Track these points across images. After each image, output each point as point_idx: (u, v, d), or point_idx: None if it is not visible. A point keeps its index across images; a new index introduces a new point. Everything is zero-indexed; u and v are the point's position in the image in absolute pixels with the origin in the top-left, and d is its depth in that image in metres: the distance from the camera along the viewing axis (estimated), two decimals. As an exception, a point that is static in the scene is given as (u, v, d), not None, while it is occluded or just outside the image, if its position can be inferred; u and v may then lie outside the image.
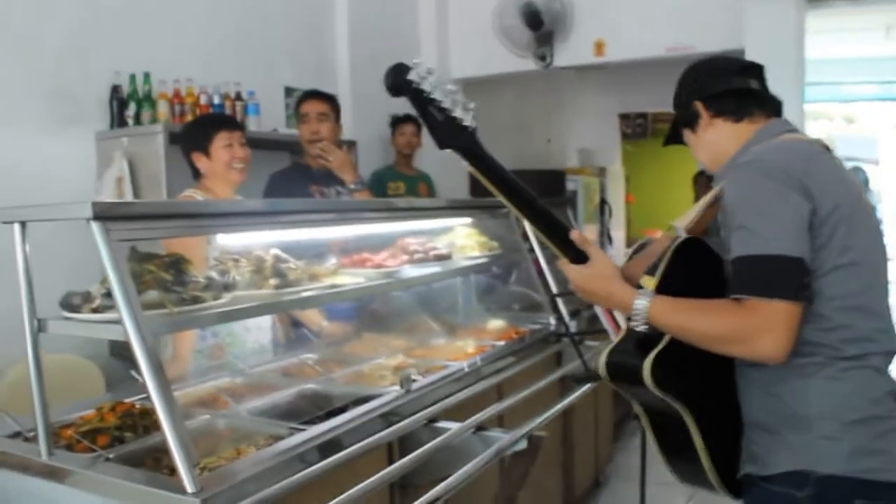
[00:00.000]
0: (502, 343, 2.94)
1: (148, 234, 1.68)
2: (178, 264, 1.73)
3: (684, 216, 1.69)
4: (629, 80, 8.05)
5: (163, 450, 1.83)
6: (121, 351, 3.39)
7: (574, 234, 1.57)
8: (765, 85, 1.72)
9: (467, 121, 1.44)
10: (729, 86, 1.69)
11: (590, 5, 5.41)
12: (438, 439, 1.96)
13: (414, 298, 3.30)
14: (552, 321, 3.32)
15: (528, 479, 2.14)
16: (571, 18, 5.43)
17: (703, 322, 1.44)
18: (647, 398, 1.54)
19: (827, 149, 1.62)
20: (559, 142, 8.56)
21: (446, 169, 5.80)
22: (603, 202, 7.82)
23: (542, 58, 5.51)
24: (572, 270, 1.58)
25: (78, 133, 3.46)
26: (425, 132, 4.72)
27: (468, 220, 3.31)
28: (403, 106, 5.51)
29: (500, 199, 1.54)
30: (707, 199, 1.67)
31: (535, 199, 1.57)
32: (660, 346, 1.48)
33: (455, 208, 3.30)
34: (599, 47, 5.36)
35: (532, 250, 3.58)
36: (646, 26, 5.12)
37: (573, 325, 3.35)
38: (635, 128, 10.08)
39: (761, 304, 1.37)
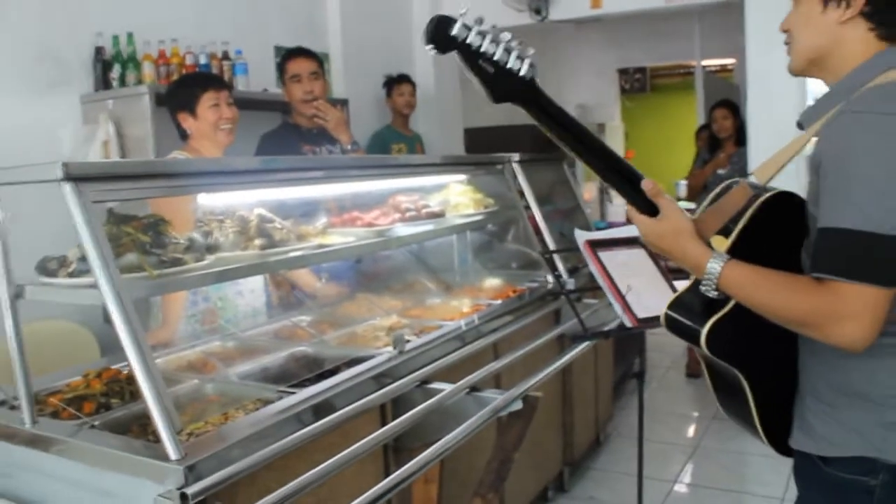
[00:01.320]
0: (499, 302, 2.90)
1: (124, 196, 1.62)
2: (157, 226, 1.68)
3: (764, 167, 1.44)
4: (627, 34, 7.93)
5: (149, 416, 1.80)
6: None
7: (646, 184, 1.40)
8: None
9: (524, 70, 1.33)
10: None
11: (585, -43, 5.28)
12: (431, 400, 1.93)
13: (409, 258, 3.25)
14: (550, 279, 3.26)
15: (523, 440, 2.10)
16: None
17: (778, 300, 1.30)
18: (703, 352, 1.45)
19: None
20: (557, 98, 8.34)
21: (443, 129, 5.73)
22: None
23: (538, 11, 5.39)
24: (643, 223, 1.42)
25: (62, 96, 3.38)
26: (419, 92, 4.63)
27: (463, 177, 3.25)
28: (395, 65, 5.43)
29: (565, 149, 1.42)
30: (796, 146, 1.42)
31: (603, 146, 1.44)
32: (723, 311, 1.37)
33: (450, 164, 3.24)
34: (596, -1, 5.25)
35: (528, 207, 3.53)
36: (643, -24, 5.01)
37: (571, 283, 3.31)
38: (633, 83, 9.98)
39: (851, 287, 1.22)
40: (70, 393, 1.90)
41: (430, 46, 1.28)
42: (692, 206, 7.27)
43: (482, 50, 1.30)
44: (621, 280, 2.16)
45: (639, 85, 10.07)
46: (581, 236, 2.22)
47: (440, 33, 1.28)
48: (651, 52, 8.46)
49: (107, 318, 3.42)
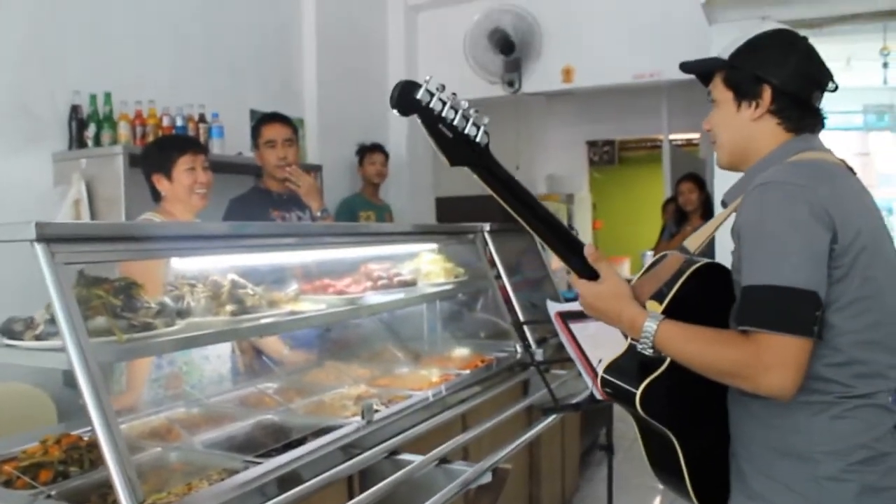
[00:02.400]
0: (467, 372, 2.88)
1: (96, 258, 1.60)
2: (128, 289, 1.66)
3: (695, 237, 1.59)
4: (597, 107, 8.12)
5: (109, 485, 1.75)
6: (75, 380, 3.28)
7: (588, 251, 1.49)
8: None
9: (479, 136, 1.40)
10: (809, 98, 1.53)
11: (558, 32, 5.45)
12: (400, 473, 1.90)
13: (378, 326, 3.23)
14: (519, 349, 3.26)
15: (492, 514, 2.07)
16: (540, 45, 5.46)
17: (710, 353, 1.37)
18: (638, 415, 1.49)
19: (850, 170, 1.54)
20: (528, 168, 8.58)
21: (413, 197, 5.78)
22: (570, 228, 7.82)
23: (511, 83, 5.52)
24: (584, 286, 1.50)
25: (34, 152, 3.36)
26: (390, 162, 4.68)
27: (434, 245, 3.27)
28: (369, 133, 5.48)
29: (512, 214, 1.49)
30: (719, 219, 1.58)
31: (548, 214, 1.51)
32: (656, 373, 1.44)
33: (421, 233, 3.26)
34: (568, 73, 5.39)
35: (499, 276, 3.54)
36: (614, 53, 5.17)
37: (539, 354, 3.30)
38: (602, 155, 10.17)
39: (771, 338, 1.30)
40: (26, 460, 1.83)
41: (395, 110, 1.34)
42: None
43: (442, 115, 1.36)
44: (591, 352, 2.16)
45: (607, 157, 10.27)
46: (552, 307, 2.21)
47: (405, 97, 1.34)
48: (620, 125, 8.66)
49: (67, 382, 3.36)
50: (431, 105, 1.35)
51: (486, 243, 3.53)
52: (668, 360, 1.43)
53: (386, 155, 4.99)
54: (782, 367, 1.29)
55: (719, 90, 1.59)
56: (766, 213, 1.38)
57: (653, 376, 1.43)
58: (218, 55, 4.29)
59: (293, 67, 4.94)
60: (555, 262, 7.17)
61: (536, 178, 8.79)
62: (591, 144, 9.65)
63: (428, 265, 3.12)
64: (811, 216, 1.34)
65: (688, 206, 5.34)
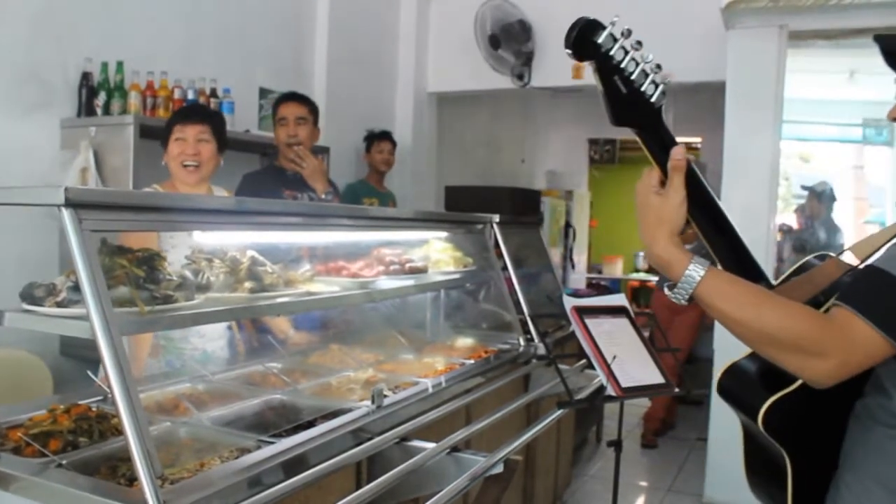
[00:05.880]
0: (472, 362, 2.87)
1: (122, 226, 1.57)
2: (151, 260, 1.63)
3: (863, 244, 1.40)
4: (600, 106, 8.10)
5: (120, 458, 1.72)
6: (73, 350, 3.25)
7: (676, 152, 1.28)
8: None
9: (655, 97, 1.25)
10: None
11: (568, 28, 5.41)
12: (413, 460, 1.88)
13: (383, 311, 3.21)
14: (522, 342, 3.26)
15: (500, 505, 2.06)
16: (553, 40, 5.43)
17: (771, 320, 1.21)
18: (751, 426, 1.39)
19: None
20: (529, 163, 8.58)
21: (416, 185, 5.77)
22: (568, 225, 7.82)
23: (521, 76, 5.49)
24: (641, 192, 1.30)
25: (43, 118, 3.33)
26: (398, 151, 4.64)
27: (444, 234, 3.25)
28: (376, 119, 5.47)
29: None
30: (893, 231, 1.37)
31: (712, 199, 1.34)
32: (787, 389, 1.31)
33: (432, 221, 3.24)
34: (578, 70, 5.36)
35: (505, 268, 3.53)
36: (627, 52, 5.14)
37: (542, 348, 3.29)
38: (603, 153, 10.17)
39: (866, 329, 1.16)
40: (35, 428, 1.80)
41: (569, 51, 1.21)
42: (654, 277, 7.37)
43: (622, 66, 1.23)
44: (606, 348, 2.15)
45: (608, 156, 10.27)
46: (568, 302, 2.21)
47: (583, 38, 1.21)
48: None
49: (63, 351, 3.32)
50: (612, 53, 1.21)
51: (495, 234, 3.52)
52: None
53: (394, 143, 4.97)
54: (851, 361, 1.18)
55: None
56: None
57: (783, 392, 1.32)
58: (230, 31, 4.25)
59: (305, 48, 4.90)
60: (556, 258, 7.19)
61: (537, 172, 8.79)
62: (593, 143, 9.65)
63: (437, 253, 3.10)
64: None
65: (690, 210, 5.33)
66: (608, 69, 1.23)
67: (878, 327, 1.16)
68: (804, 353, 1.20)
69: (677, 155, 1.27)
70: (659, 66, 1.26)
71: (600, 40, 1.21)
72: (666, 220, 1.27)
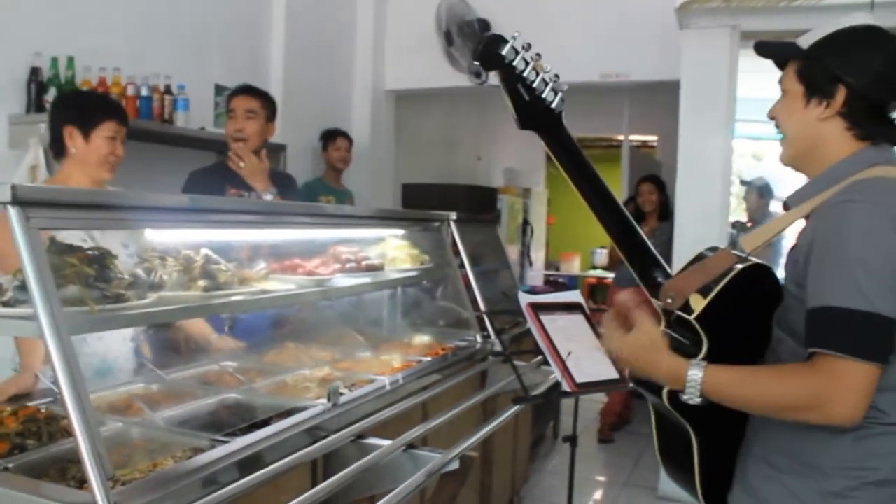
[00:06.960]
0: (429, 359, 2.88)
1: (71, 225, 1.55)
2: (103, 259, 1.60)
3: (753, 236, 1.51)
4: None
5: (69, 459, 1.70)
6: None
7: (621, 298, 1.53)
8: None
9: (555, 103, 1.39)
10: (885, 106, 1.42)
11: (528, 27, 5.43)
12: (369, 457, 1.88)
13: (339, 309, 3.20)
14: (478, 339, 3.28)
15: (456, 501, 2.08)
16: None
17: (771, 391, 1.33)
18: (660, 406, 1.49)
19: None
20: (486, 160, 8.60)
21: (374, 183, 5.76)
22: (525, 222, 7.88)
23: (478, 75, 5.50)
24: (618, 340, 1.49)
25: (-12, 114, 3.25)
26: (353, 149, 4.63)
27: (400, 231, 3.25)
28: (334, 117, 5.43)
29: (572, 186, 1.48)
30: (783, 223, 1.49)
31: (608, 192, 1.49)
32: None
33: (389, 218, 3.24)
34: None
35: (462, 266, 3.55)
36: (582, 51, 5.19)
37: (498, 344, 3.32)
38: (561, 151, 10.23)
39: (847, 364, 1.25)
40: (-22, 431, 1.77)
41: (476, 63, 1.35)
42: (611, 274, 7.46)
43: (524, 75, 1.35)
44: (561, 344, 2.17)
45: (565, 154, 10.35)
46: (524, 299, 2.23)
47: (490, 51, 1.33)
48: (580, 123, 8.70)
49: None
50: (515, 63, 1.34)
51: (452, 232, 3.53)
52: (703, 352, 1.42)
53: (350, 141, 4.96)
54: (857, 395, 1.26)
55: (791, 81, 1.48)
56: (851, 231, 1.30)
57: None
58: (185, 26, 4.19)
59: (261, 45, 4.86)
60: (513, 255, 7.24)
61: (494, 170, 8.82)
62: (550, 140, 9.71)
63: (394, 251, 3.10)
64: None
65: (646, 207, 5.41)
66: (512, 78, 1.37)
67: (858, 358, 1.25)
68: (812, 409, 1.29)
69: (622, 300, 1.51)
70: (557, 76, 1.41)
71: (504, 52, 1.34)
72: (653, 340, 1.44)
